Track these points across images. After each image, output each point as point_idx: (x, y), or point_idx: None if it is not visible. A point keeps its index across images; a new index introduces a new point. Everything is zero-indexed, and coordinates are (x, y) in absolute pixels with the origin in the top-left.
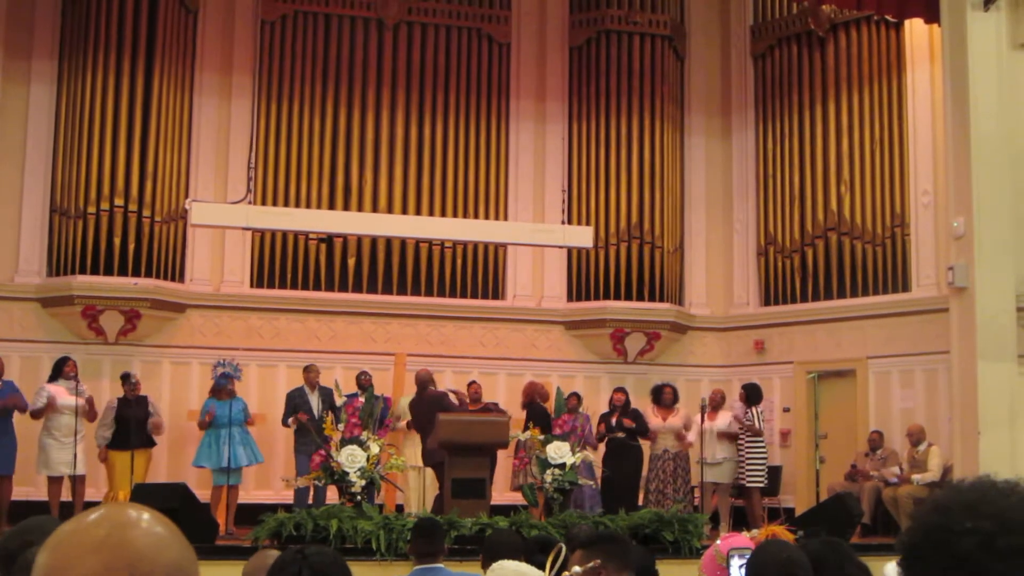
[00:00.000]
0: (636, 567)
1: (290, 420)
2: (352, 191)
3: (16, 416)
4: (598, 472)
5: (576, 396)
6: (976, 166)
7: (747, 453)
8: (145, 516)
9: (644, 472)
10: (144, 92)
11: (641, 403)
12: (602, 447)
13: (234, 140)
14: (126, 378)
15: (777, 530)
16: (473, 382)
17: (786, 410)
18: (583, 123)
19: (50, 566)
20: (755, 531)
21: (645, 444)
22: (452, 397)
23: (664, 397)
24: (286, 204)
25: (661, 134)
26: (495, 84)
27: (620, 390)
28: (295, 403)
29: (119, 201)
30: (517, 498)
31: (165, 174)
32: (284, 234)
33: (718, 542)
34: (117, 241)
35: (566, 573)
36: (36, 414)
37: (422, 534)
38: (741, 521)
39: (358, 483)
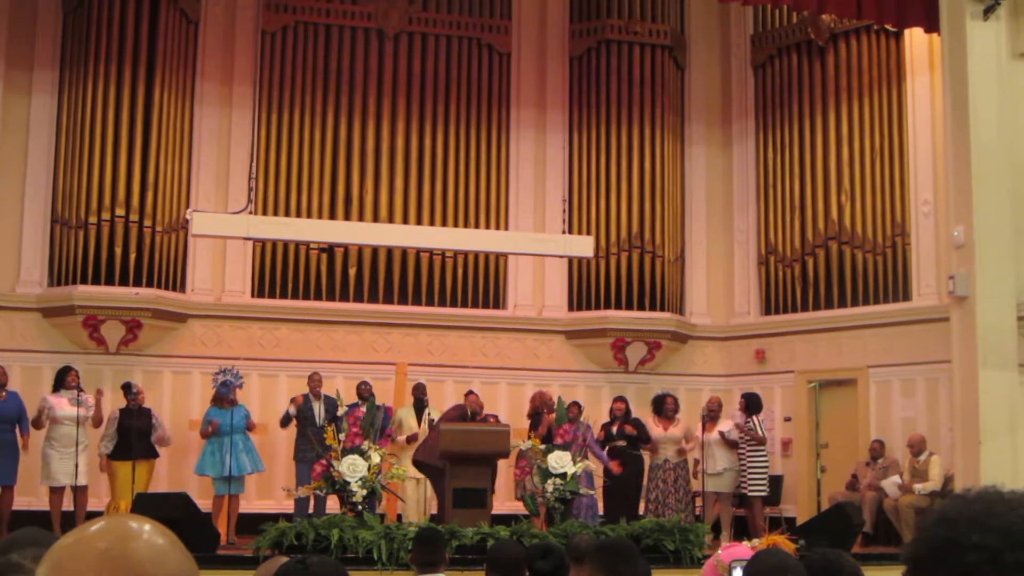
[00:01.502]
0: None
1: (290, 407)
2: (353, 201)
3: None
4: (598, 482)
5: (576, 405)
6: (976, 175)
7: (749, 462)
8: (146, 528)
9: (644, 481)
10: (145, 102)
11: (642, 413)
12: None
13: (235, 150)
14: (128, 388)
15: (778, 540)
16: (471, 392)
17: (787, 419)
18: (583, 133)
19: None
20: (756, 540)
21: (646, 453)
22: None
23: (666, 407)
24: (287, 214)
25: (661, 143)
26: (495, 94)
27: (620, 399)
28: (298, 409)
29: (120, 211)
30: (518, 507)
31: (166, 184)
32: (285, 244)
33: (719, 552)
34: (118, 251)
35: None
36: (36, 424)
37: (423, 543)
38: (742, 531)
39: (359, 492)
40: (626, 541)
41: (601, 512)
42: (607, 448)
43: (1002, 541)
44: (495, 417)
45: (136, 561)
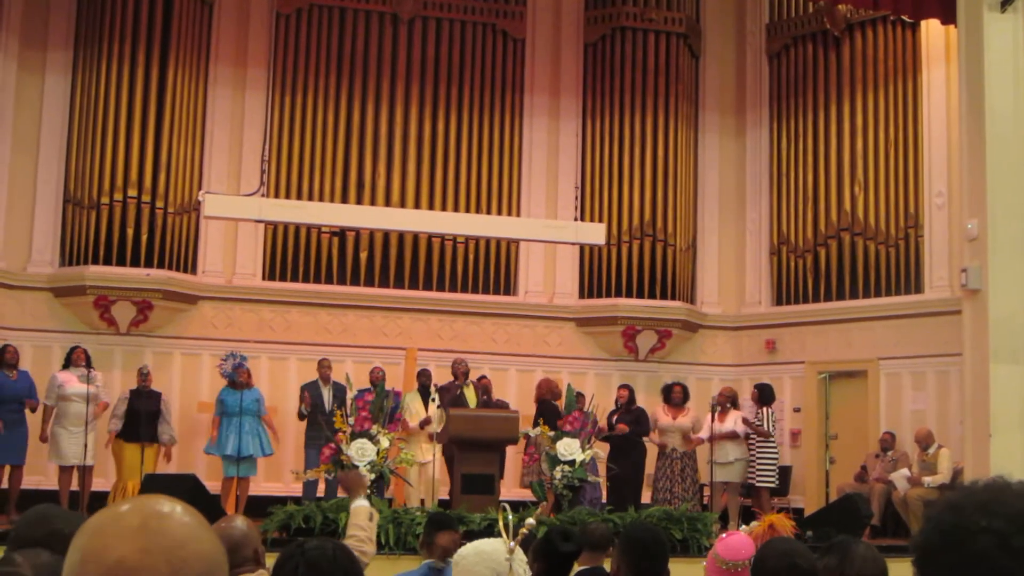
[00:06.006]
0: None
1: (302, 406)
2: (365, 185)
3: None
4: (601, 469)
5: (581, 396)
6: (991, 168)
7: (758, 453)
8: (178, 508)
9: (650, 470)
10: (159, 83)
11: (652, 402)
12: (607, 444)
13: (248, 132)
14: (143, 376)
15: (775, 519)
16: (483, 377)
17: (797, 410)
18: (597, 120)
19: (88, 548)
20: (749, 526)
21: (652, 443)
22: None
23: (673, 396)
24: (299, 197)
25: (675, 132)
26: (509, 80)
27: (624, 387)
28: (310, 402)
29: (132, 192)
30: (526, 494)
31: (179, 165)
32: (297, 227)
33: (716, 545)
34: (130, 232)
35: (523, 529)
36: (48, 409)
37: (435, 528)
38: (750, 521)
39: (368, 477)
40: (654, 531)
41: (604, 500)
42: (610, 437)
43: (1010, 525)
44: (505, 403)
45: (172, 537)
